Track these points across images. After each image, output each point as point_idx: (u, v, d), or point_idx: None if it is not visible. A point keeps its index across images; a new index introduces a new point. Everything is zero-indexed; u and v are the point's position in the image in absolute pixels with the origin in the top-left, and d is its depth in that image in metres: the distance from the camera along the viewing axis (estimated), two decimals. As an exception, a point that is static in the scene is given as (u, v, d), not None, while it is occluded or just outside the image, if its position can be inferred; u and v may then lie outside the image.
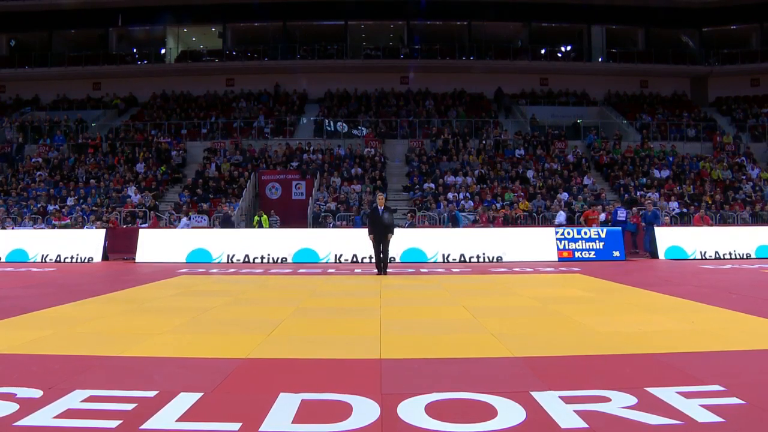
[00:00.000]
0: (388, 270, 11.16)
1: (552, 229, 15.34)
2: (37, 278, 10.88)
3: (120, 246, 16.47)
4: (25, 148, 25.62)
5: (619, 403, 3.07)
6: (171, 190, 22.78)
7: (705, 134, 26.33)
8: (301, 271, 12.31)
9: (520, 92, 29.53)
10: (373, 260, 11.95)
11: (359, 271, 12.20)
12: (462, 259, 14.34)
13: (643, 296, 7.68)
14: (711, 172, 23.31)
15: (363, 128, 26.12)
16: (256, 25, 30.93)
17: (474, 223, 18.18)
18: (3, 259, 14.89)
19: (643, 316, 6.02)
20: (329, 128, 26.05)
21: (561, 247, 14.66)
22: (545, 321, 5.80)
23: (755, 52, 29.85)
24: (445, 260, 14.29)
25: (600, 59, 30.29)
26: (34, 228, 18.02)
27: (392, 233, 11.02)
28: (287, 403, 3.11)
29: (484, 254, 14.44)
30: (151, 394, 3.27)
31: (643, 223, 16.63)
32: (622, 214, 16.63)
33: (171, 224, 18.87)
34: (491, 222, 17.89)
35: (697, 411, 2.95)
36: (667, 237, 15.26)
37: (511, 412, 2.97)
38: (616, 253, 14.54)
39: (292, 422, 2.86)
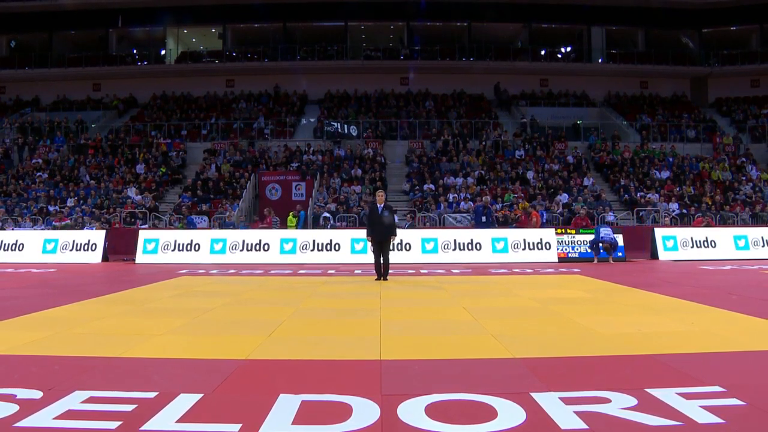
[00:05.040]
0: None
1: (552, 230, 15.36)
2: (37, 279, 10.88)
3: (120, 247, 16.50)
4: (25, 149, 25.63)
5: (619, 404, 3.07)
6: (171, 191, 22.80)
7: (705, 135, 26.35)
8: (301, 272, 12.31)
9: (520, 93, 29.54)
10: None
11: (359, 272, 12.20)
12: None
13: (642, 297, 7.68)
14: (711, 173, 23.32)
15: (357, 128, 26.16)
16: (256, 26, 30.97)
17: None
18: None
19: (642, 317, 6.02)
20: (329, 129, 26.05)
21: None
22: (545, 322, 5.80)
23: (755, 53, 29.88)
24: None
25: (600, 60, 30.31)
26: (34, 229, 18.04)
27: (394, 235, 10.00)
28: (287, 404, 3.11)
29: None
30: (151, 395, 3.27)
31: (588, 248, 14.58)
32: (606, 231, 14.76)
33: (171, 225, 18.87)
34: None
35: (697, 412, 2.95)
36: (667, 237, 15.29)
37: (511, 413, 2.97)
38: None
39: (292, 423, 2.86)
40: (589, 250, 14.68)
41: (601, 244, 14.37)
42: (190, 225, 18.03)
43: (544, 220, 17.78)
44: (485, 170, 22.87)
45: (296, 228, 17.17)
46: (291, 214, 18.10)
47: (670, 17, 29.44)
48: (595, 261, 14.30)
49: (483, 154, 24.05)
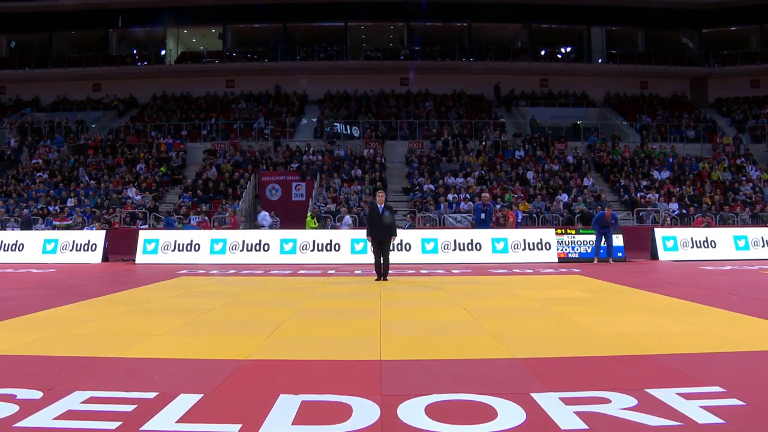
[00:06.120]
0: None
1: (552, 230, 15.35)
2: (37, 279, 10.88)
3: (120, 247, 16.50)
4: (25, 150, 25.63)
5: (619, 405, 3.07)
6: (171, 191, 22.80)
7: (705, 135, 26.36)
8: (300, 272, 12.31)
9: (521, 93, 29.55)
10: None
11: (359, 272, 12.20)
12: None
13: (642, 297, 7.67)
14: (711, 173, 23.32)
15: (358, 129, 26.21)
16: (256, 26, 30.98)
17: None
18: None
19: (643, 317, 6.02)
20: (329, 129, 26.08)
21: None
22: (545, 322, 5.80)
23: (755, 53, 29.90)
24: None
25: (600, 60, 30.33)
26: (35, 229, 18.03)
27: (395, 235, 10.06)
28: (287, 405, 3.11)
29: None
30: (151, 395, 3.27)
31: (595, 226, 14.62)
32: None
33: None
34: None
35: (697, 412, 2.94)
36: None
37: (511, 413, 2.97)
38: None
39: (292, 423, 2.86)
40: (589, 249, 14.69)
41: (600, 230, 14.26)
42: (168, 226, 17.59)
43: (519, 220, 17.79)
44: (485, 170, 22.87)
45: (316, 228, 17.20)
46: (309, 215, 18.20)
47: (670, 17, 29.45)
48: (595, 261, 14.31)
49: (483, 155, 24.06)
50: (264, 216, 18.07)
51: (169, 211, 19.70)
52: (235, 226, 17.61)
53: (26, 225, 17.32)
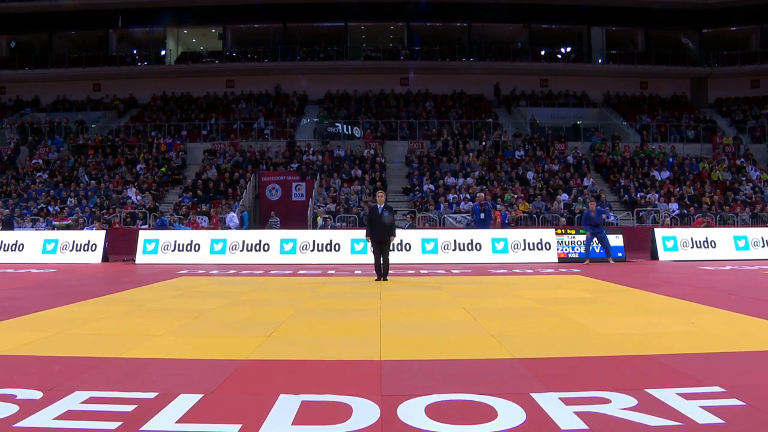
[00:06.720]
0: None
1: (552, 230, 15.35)
2: (37, 279, 10.88)
3: (120, 247, 16.50)
4: (23, 150, 25.62)
5: (619, 405, 3.07)
6: (171, 191, 22.80)
7: (705, 135, 26.37)
8: (300, 272, 12.31)
9: (521, 93, 29.55)
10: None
11: (359, 272, 12.20)
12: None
13: (642, 297, 7.67)
14: (711, 173, 23.33)
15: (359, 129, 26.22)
16: (256, 26, 30.99)
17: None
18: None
19: (642, 317, 6.02)
20: (332, 130, 26.09)
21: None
22: (545, 322, 5.80)
23: (755, 54, 29.90)
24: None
25: (600, 60, 30.35)
26: (34, 229, 18.04)
27: (394, 235, 10.07)
28: (287, 405, 3.11)
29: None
30: (151, 395, 3.27)
31: (585, 225, 14.50)
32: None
33: (170, 225, 18.85)
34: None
35: (697, 412, 2.94)
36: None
37: (511, 413, 2.97)
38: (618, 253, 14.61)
39: (292, 424, 2.86)
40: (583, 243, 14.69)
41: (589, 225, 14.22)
42: (162, 226, 17.35)
43: (506, 221, 17.75)
44: (485, 170, 22.88)
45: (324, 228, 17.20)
46: (317, 215, 18.25)
47: (670, 17, 29.46)
48: (587, 262, 14.24)
49: (483, 155, 24.06)
50: (231, 217, 17.94)
51: (162, 211, 19.69)
52: (216, 227, 17.58)
53: (7, 225, 17.06)
